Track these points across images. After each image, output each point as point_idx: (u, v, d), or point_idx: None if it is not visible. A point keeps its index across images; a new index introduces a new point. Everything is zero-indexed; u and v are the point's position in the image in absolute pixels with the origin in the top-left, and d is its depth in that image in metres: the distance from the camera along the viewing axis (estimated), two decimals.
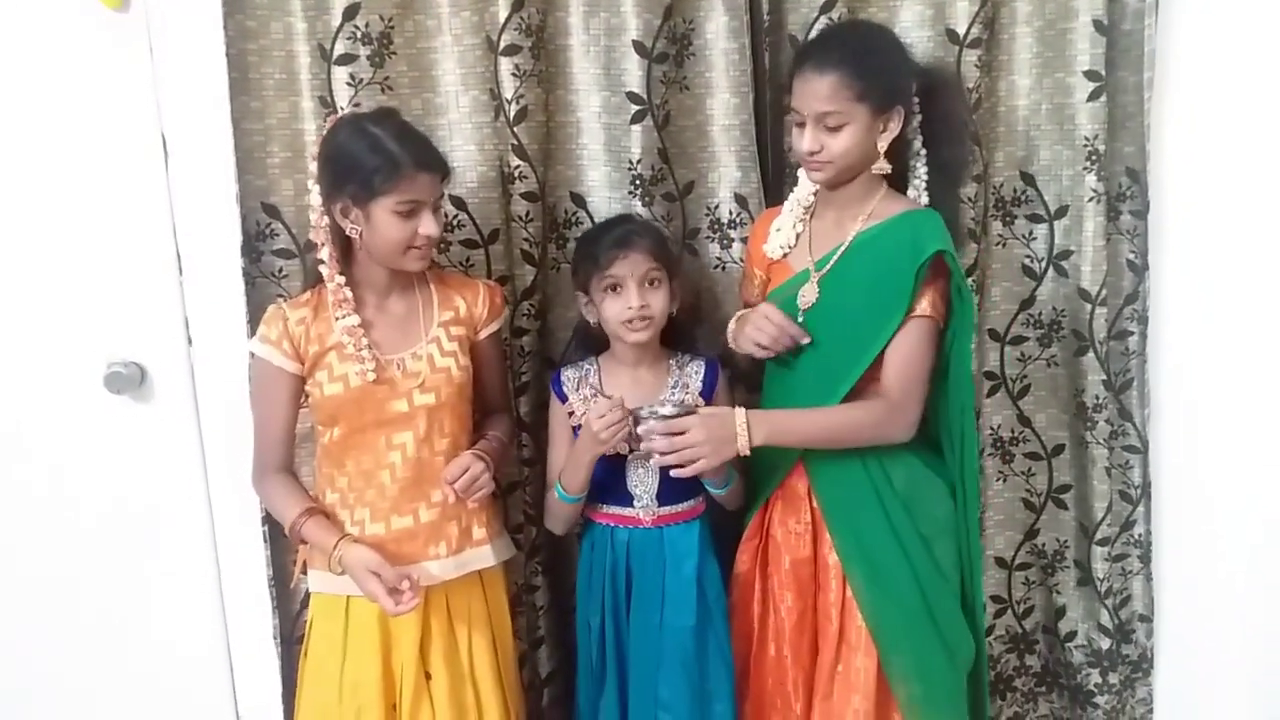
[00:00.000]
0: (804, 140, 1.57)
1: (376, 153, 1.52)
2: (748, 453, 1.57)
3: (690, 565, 1.71)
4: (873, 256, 1.60)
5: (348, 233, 1.57)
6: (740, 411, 1.58)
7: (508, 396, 1.83)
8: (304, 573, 1.70)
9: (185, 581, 1.98)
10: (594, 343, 1.80)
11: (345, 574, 1.57)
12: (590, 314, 1.74)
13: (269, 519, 1.85)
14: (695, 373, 1.76)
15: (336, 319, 1.59)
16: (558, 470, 1.76)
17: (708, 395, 1.75)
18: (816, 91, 1.54)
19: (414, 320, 1.66)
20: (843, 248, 1.63)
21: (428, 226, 1.56)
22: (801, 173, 1.69)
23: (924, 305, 1.58)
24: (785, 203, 1.73)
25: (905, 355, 1.59)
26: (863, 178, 1.62)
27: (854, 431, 1.61)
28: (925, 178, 1.65)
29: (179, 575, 1.97)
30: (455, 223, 1.83)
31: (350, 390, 1.59)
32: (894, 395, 1.59)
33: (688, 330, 1.84)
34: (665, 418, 1.58)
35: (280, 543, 1.88)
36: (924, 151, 1.65)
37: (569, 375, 1.77)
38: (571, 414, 1.75)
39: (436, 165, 1.58)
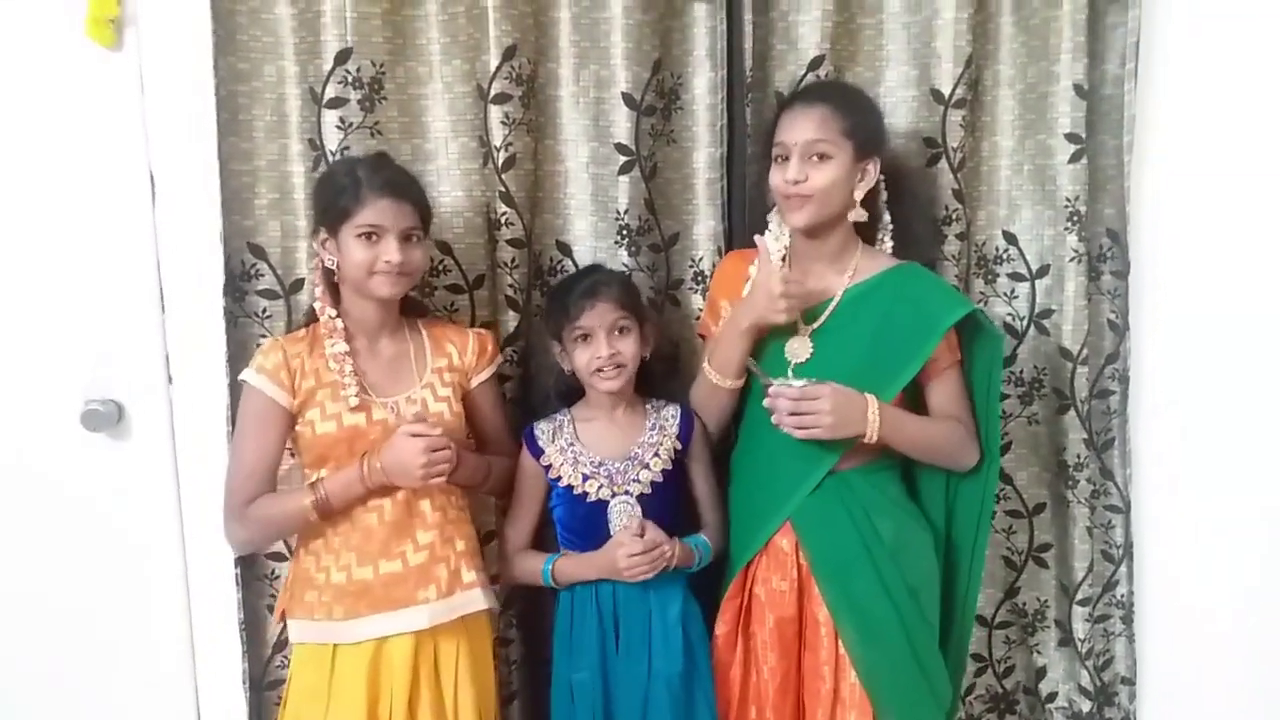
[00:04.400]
0: (789, 169, 1.60)
1: (346, 179, 1.58)
2: (876, 439, 1.58)
3: (675, 609, 1.69)
4: (872, 312, 1.64)
5: (325, 263, 1.60)
6: (872, 399, 1.58)
7: (509, 441, 1.78)
8: (281, 621, 1.66)
9: (156, 621, 1.94)
10: (572, 391, 1.78)
11: (390, 472, 1.53)
12: (565, 362, 1.74)
13: (241, 561, 1.82)
14: (672, 417, 1.75)
15: (328, 349, 1.59)
16: (521, 537, 1.75)
17: (685, 440, 1.74)
18: (806, 123, 1.61)
19: (405, 364, 1.65)
20: (834, 303, 1.65)
21: (389, 253, 1.55)
22: (768, 233, 1.69)
23: (950, 353, 1.67)
24: (753, 266, 1.70)
25: (956, 398, 1.69)
26: (840, 230, 1.66)
27: (952, 446, 1.68)
28: (891, 242, 1.72)
29: (150, 614, 1.94)
30: (441, 267, 1.84)
31: (343, 429, 1.57)
32: (970, 426, 1.68)
33: (663, 378, 1.83)
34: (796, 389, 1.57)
35: (253, 586, 1.86)
36: (893, 226, 1.72)
37: (543, 429, 1.74)
38: (548, 468, 1.71)
39: (403, 194, 1.59)
